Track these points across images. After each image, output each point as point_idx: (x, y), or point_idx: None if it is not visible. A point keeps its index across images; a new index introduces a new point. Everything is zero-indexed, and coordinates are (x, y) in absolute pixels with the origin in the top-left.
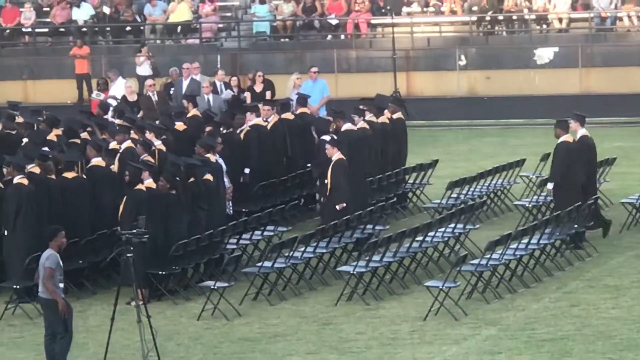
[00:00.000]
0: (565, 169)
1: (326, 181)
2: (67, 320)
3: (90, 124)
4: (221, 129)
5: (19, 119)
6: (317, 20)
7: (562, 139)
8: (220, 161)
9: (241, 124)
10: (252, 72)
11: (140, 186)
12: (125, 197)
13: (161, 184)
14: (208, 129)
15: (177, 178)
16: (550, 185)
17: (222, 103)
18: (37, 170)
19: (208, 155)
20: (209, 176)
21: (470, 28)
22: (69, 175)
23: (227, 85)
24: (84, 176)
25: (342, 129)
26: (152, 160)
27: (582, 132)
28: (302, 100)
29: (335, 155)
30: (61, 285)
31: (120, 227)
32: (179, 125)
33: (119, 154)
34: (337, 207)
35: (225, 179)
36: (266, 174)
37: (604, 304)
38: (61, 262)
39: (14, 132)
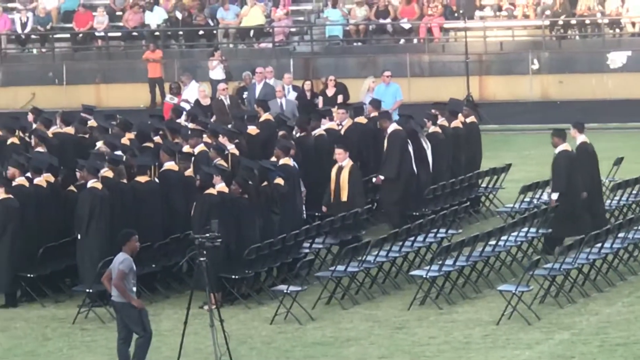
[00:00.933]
0: (568, 177)
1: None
2: (144, 320)
3: (163, 128)
4: (294, 132)
5: (92, 123)
6: (390, 24)
7: (560, 148)
8: (294, 164)
9: (315, 128)
10: (325, 77)
11: (211, 190)
12: (195, 202)
13: (234, 188)
14: (281, 132)
15: (250, 182)
16: (554, 196)
17: (295, 107)
18: (109, 174)
19: (285, 158)
20: (280, 180)
21: (543, 32)
22: (142, 179)
23: (295, 89)
24: (157, 180)
25: (389, 130)
26: (225, 165)
27: (581, 138)
28: (376, 104)
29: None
30: (134, 289)
31: (193, 232)
32: (252, 129)
33: (193, 158)
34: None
35: None
36: None
37: None
38: (134, 267)
39: (86, 136)
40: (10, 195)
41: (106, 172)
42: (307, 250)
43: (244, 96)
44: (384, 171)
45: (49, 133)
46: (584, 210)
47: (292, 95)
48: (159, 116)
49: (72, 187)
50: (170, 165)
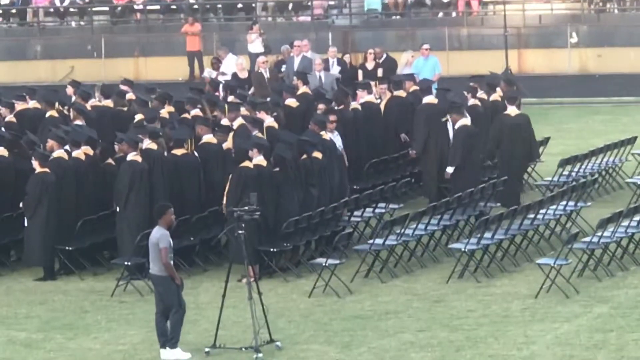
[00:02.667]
0: (466, 152)
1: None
2: (180, 295)
3: (201, 101)
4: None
5: (130, 96)
6: None
7: (459, 123)
8: (338, 138)
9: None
10: (366, 50)
11: (247, 163)
12: (231, 175)
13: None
14: (320, 106)
15: (287, 156)
16: (450, 169)
17: (334, 81)
18: (153, 147)
19: (322, 132)
20: (317, 154)
21: (582, 5)
22: (178, 152)
23: (340, 62)
24: (195, 153)
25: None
26: (263, 137)
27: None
28: (410, 78)
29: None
30: (171, 262)
31: (226, 205)
32: (291, 102)
33: (232, 132)
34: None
35: None
36: (377, 152)
37: None
38: (171, 240)
39: (125, 109)
40: (47, 169)
41: (149, 144)
42: (346, 224)
43: (282, 69)
44: (412, 145)
45: (88, 106)
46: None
47: (336, 69)
48: (198, 89)
49: (110, 160)
50: (208, 138)
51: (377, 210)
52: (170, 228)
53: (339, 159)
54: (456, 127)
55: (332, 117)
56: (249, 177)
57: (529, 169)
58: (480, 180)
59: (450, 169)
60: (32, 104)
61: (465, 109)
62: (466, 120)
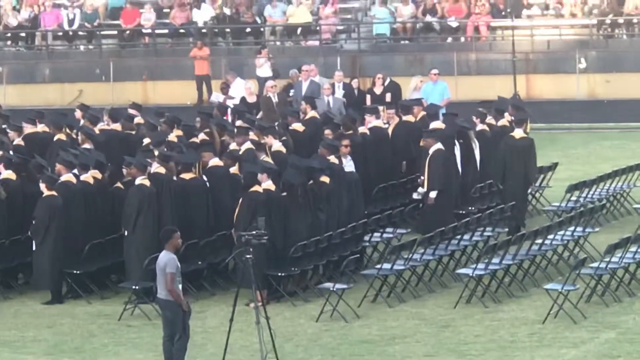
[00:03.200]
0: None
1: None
2: (186, 322)
3: (209, 125)
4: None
5: (139, 120)
6: (437, 22)
7: (434, 148)
8: (351, 163)
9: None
10: (374, 75)
11: (256, 188)
12: (240, 200)
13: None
14: (327, 131)
15: (295, 182)
16: (433, 194)
17: (342, 105)
18: (161, 170)
19: (331, 157)
20: (325, 178)
21: (591, 31)
22: (187, 176)
23: (345, 87)
24: (204, 177)
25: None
26: (271, 162)
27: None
28: (418, 103)
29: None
30: (180, 286)
31: (235, 229)
32: (297, 127)
33: (239, 156)
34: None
35: None
36: (385, 176)
37: None
38: (179, 264)
39: (133, 133)
40: (54, 193)
41: (157, 168)
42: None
43: (291, 94)
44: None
45: (96, 130)
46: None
47: (340, 93)
48: (207, 113)
49: (119, 184)
50: (215, 161)
51: (385, 235)
52: (177, 252)
53: (351, 183)
54: (431, 152)
55: (345, 142)
56: (259, 201)
57: (537, 195)
58: (488, 206)
59: (433, 194)
60: (41, 127)
61: (474, 134)
62: (440, 145)
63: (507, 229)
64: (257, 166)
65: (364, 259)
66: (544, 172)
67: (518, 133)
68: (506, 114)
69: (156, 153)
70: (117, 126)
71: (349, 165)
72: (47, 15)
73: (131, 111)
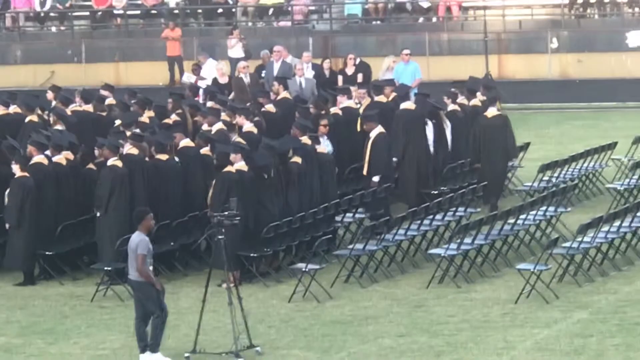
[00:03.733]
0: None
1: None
2: (162, 300)
3: (181, 106)
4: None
5: (111, 101)
6: (409, 2)
7: (375, 131)
8: (328, 142)
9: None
10: (345, 55)
11: (229, 168)
12: (214, 180)
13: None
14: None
15: (268, 162)
16: (376, 178)
17: (314, 86)
18: (134, 151)
19: (303, 137)
20: (297, 158)
21: (562, 11)
22: (162, 157)
23: (314, 67)
24: (175, 158)
25: (401, 107)
26: (244, 143)
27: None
28: (390, 83)
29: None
30: (150, 267)
31: (210, 209)
32: (269, 107)
33: (210, 137)
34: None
35: None
36: (357, 157)
37: None
38: (150, 246)
39: (104, 114)
40: (27, 174)
41: (129, 149)
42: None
43: (262, 74)
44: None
45: (68, 111)
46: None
47: (310, 74)
48: (179, 94)
49: (91, 165)
50: (187, 142)
51: (357, 216)
52: (149, 233)
53: (324, 164)
54: (372, 135)
55: (323, 122)
56: (232, 181)
57: (510, 175)
58: (460, 186)
59: (376, 178)
60: (13, 108)
61: (445, 114)
62: (381, 129)
63: (479, 209)
64: (229, 146)
65: (336, 240)
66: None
67: (491, 112)
68: (478, 94)
69: (128, 134)
70: (89, 107)
71: (326, 144)
72: None
73: (103, 92)
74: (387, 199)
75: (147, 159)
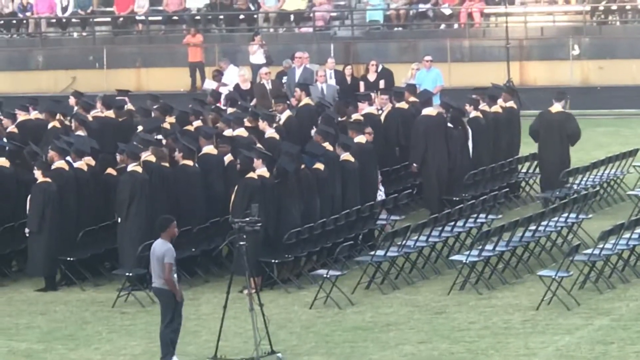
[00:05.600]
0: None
1: None
2: (178, 310)
3: (203, 112)
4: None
5: (130, 106)
6: (431, 9)
7: (357, 139)
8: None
9: (353, 113)
10: (367, 62)
11: (251, 174)
12: (237, 186)
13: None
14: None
15: (290, 168)
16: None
17: (336, 92)
18: (152, 158)
19: (325, 143)
20: (319, 165)
21: (584, 18)
22: (189, 162)
23: (336, 74)
24: (196, 165)
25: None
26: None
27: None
28: (412, 89)
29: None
30: (175, 275)
31: (232, 216)
32: (287, 114)
33: (232, 142)
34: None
35: None
36: (380, 163)
37: None
38: (174, 252)
39: (122, 119)
40: (48, 179)
41: (148, 156)
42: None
43: (283, 80)
44: (410, 157)
45: (89, 117)
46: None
47: (333, 81)
48: (200, 100)
49: (110, 171)
50: (209, 149)
51: (379, 222)
52: (172, 240)
53: (349, 170)
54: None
55: (369, 130)
56: (255, 187)
57: (531, 181)
58: (481, 192)
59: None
60: (34, 114)
61: (467, 121)
62: (363, 137)
63: (500, 215)
64: (252, 152)
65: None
66: (537, 158)
67: (555, 107)
68: (500, 101)
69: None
70: (110, 113)
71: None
72: (40, 2)
73: (120, 97)
74: (408, 205)
75: (166, 164)
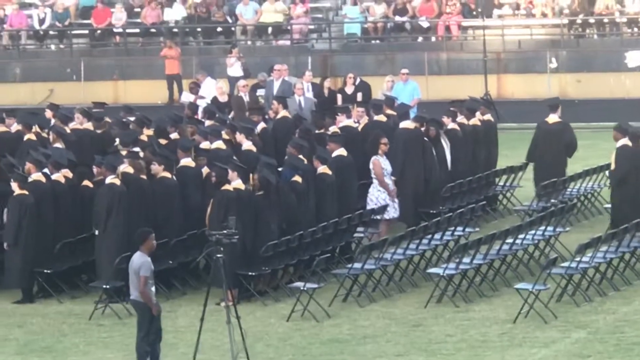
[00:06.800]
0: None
1: None
2: (155, 325)
3: (179, 125)
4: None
5: (107, 119)
6: (408, 22)
7: (336, 152)
8: (387, 162)
9: (330, 126)
10: (345, 75)
11: (227, 187)
12: (212, 199)
13: (253, 185)
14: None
15: (272, 179)
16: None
17: (313, 105)
18: (129, 170)
19: (300, 156)
20: (297, 178)
21: (562, 31)
22: (167, 175)
23: (314, 87)
24: (174, 177)
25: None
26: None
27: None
28: (390, 102)
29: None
30: (152, 289)
31: (209, 228)
32: (261, 126)
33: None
34: None
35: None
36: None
37: None
38: (152, 267)
39: (100, 132)
40: (25, 191)
41: (126, 168)
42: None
43: (257, 93)
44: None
45: (67, 129)
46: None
47: (310, 93)
48: (177, 114)
49: (87, 183)
50: (186, 161)
51: (355, 235)
52: (150, 253)
53: (325, 183)
54: (334, 155)
55: (384, 140)
56: (230, 199)
57: (508, 194)
58: (458, 205)
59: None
60: (14, 127)
61: (445, 133)
62: (343, 151)
63: (478, 228)
64: (228, 164)
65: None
66: (515, 171)
67: (552, 118)
68: (477, 113)
69: (124, 153)
70: (88, 125)
71: (386, 164)
72: (14, 16)
73: (96, 110)
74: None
75: (144, 176)
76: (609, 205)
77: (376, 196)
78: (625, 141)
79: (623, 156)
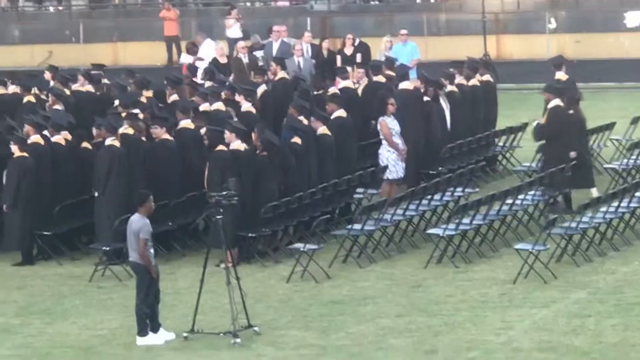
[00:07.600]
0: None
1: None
2: (153, 286)
3: (179, 87)
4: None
5: (106, 81)
6: None
7: (336, 114)
8: (395, 122)
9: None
10: (343, 35)
11: (221, 147)
12: (208, 160)
13: (257, 147)
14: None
15: (276, 141)
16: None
17: (312, 66)
18: (129, 131)
19: (301, 117)
20: (297, 139)
21: None
22: (167, 136)
23: (313, 48)
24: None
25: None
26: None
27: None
28: (390, 63)
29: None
30: (152, 250)
31: (207, 190)
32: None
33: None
34: None
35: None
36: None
37: None
38: (151, 228)
39: (98, 93)
40: (25, 154)
41: (126, 129)
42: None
43: (254, 53)
44: None
45: (68, 91)
46: None
47: (309, 55)
48: (176, 76)
49: (86, 144)
50: (186, 123)
51: (355, 196)
52: (149, 215)
53: (325, 144)
54: (333, 116)
55: (391, 101)
56: (225, 160)
57: (508, 155)
58: (458, 166)
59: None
60: (12, 88)
61: (444, 95)
62: (343, 112)
63: (477, 189)
64: (226, 125)
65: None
66: (515, 132)
67: (558, 75)
68: (476, 74)
69: (124, 115)
70: (89, 87)
71: (393, 124)
72: None
73: (95, 72)
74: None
75: (143, 138)
76: (609, 165)
77: (386, 157)
78: (557, 102)
79: (555, 116)
